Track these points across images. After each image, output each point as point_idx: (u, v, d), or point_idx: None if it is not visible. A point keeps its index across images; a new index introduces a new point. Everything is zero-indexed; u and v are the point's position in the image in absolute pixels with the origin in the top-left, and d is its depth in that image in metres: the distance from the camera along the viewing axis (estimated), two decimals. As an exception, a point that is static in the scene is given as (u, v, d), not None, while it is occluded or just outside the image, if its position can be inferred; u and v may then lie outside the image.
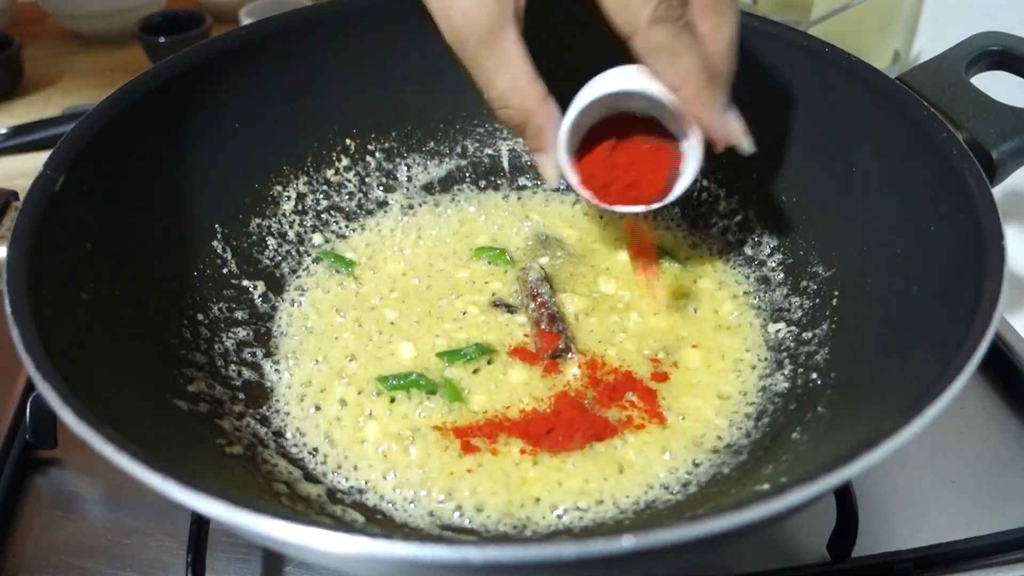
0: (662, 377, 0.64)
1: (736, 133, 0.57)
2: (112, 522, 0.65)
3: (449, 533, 0.55)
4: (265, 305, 0.70)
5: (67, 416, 0.41)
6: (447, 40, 0.55)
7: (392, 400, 0.63)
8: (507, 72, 0.55)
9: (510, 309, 0.69)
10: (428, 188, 0.81)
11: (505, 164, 0.83)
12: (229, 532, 0.62)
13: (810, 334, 0.64)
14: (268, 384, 0.64)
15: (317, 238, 0.76)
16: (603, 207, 0.60)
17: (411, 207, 0.80)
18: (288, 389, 0.64)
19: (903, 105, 0.61)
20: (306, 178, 0.77)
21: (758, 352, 0.66)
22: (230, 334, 0.66)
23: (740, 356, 0.66)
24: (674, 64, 0.53)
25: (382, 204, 0.80)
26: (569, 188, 0.82)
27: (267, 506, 0.37)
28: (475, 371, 0.64)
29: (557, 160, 0.58)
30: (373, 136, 0.80)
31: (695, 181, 0.69)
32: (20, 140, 1.07)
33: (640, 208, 0.60)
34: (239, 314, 0.68)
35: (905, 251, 0.59)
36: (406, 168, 0.81)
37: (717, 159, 0.76)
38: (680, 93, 0.54)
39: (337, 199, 0.78)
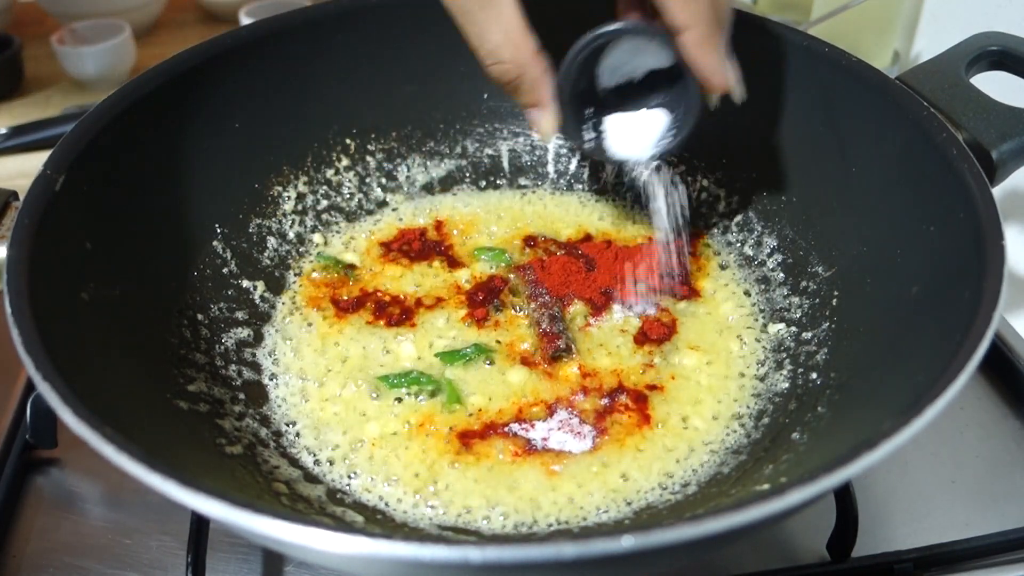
0: (661, 378, 0.64)
1: (733, 80, 0.58)
2: (112, 522, 0.65)
3: (449, 533, 0.55)
4: (265, 305, 0.70)
5: (67, 416, 0.41)
6: None
7: (392, 400, 0.63)
8: (499, 26, 0.54)
9: (510, 310, 0.69)
10: (428, 188, 0.81)
11: (505, 164, 0.83)
12: (229, 532, 0.62)
13: (810, 334, 0.64)
14: (268, 384, 0.64)
15: (317, 238, 0.76)
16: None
17: (411, 208, 0.80)
18: (288, 389, 0.64)
19: (903, 105, 0.61)
20: (306, 178, 0.77)
21: (758, 352, 0.66)
22: (230, 334, 0.66)
23: (740, 356, 0.66)
24: (688, 5, 0.53)
25: (382, 204, 0.80)
26: (568, 186, 0.82)
27: (267, 506, 0.37)
28: (474, 372, 0.64)
29: (553, 113, 0.59)
30: (373, 136, 0.80)
31: (695, 180, 0.70)
32: (20, 140, 1.07)
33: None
34: (239, 314, 0.68)
35: (905, 251, 0.59)
36: (406, 168, 0.81)
37: (717, 159, 0.77)
38: (688, 35, 0.54)
39: (337, 199, 0.78)
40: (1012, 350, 0.76)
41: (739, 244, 0.74)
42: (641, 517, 0.55)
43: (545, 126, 0.59)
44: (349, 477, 0.58)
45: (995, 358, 0.76)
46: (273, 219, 0.74)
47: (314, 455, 0.60)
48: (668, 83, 0.62)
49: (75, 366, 0.46)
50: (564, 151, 0.82)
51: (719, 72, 0.56)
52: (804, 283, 0.68)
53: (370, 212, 0.79)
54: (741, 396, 0.63)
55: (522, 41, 0.55)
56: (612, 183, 0.81)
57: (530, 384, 0.63)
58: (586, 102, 0.63)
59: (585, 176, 0.82)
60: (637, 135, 0.64)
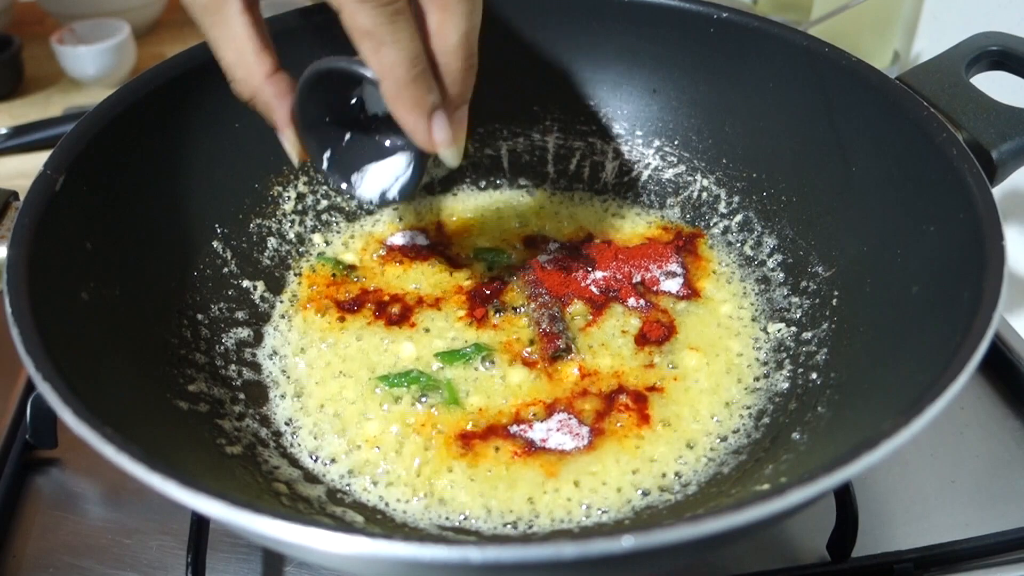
0: (660, 379, 0.64)
1: (439, 142, 0.52)
2: (112, 522, 0.65)
3: (449, 533, 0.55)
4: (265, 305, 0.70)
5: (67, 416, 0.41)
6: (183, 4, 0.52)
7: (392, 401, 0.63)
8: (232, 44, 0.52)
9: (510, 310, 0.69)
10: (428, 188, 0.81)
11: (505, 164, 0.83)
12: (229, 532, 0.62)
13: (810, 334, 0.64)
14: (268, 384, 0.64)
15: (317, 238, 0.76)
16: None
17: (411, 208, 0.80)
18: (288, 389, 0.64)
19: (903, 105, 0.61)
20: (306, 178, 0.77)
21: (758, 352, 0.66)
22: (230, 334, 0.66)
23: (739, 356, 0.66)
24: (377, 53, 0.49)
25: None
26: (568, 186, 0.82)
27: (267, 506, 0.37)
28: (474, 372, 0.64)
29: (289, 138, 0.56)
30: (373, 136, 0.80)
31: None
32: (20, 140, 1.07)
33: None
34: (239, 314, 0.68)
35: (905, 251, 0.59)
36: (406, 168, 0.81)
37: (717, 159, 0.77)
38: (382, 87, 0.50)
39: (337, 199, 0.78)
40: (1012, 350, 0.76)
41: (739, 244, 0.74)
42: (641, 517, 0.55)
43: (287, 149, 0.56)
44: (349, 477, 0.58)
45: (995, 358, 0.76)
46: (273, 219, 0.74)
47: (314, 455, 0.60)
48: None
49: (75, 366, 0.46)
50: (564, 151, 0.82)
51: (416, 131, 0.51)
52: (804, 283, 0.68)
53: (370, 212, 0.79)
54: (741, 396, 0.63)
55: (254, 62, 0.52)
56: (612, 183, 0.81)
57: (530, 384, 0.63)
58: (349, 128, 0.59)
59: (585, 176, 0.82)
60: (380, 172, 0.60)
